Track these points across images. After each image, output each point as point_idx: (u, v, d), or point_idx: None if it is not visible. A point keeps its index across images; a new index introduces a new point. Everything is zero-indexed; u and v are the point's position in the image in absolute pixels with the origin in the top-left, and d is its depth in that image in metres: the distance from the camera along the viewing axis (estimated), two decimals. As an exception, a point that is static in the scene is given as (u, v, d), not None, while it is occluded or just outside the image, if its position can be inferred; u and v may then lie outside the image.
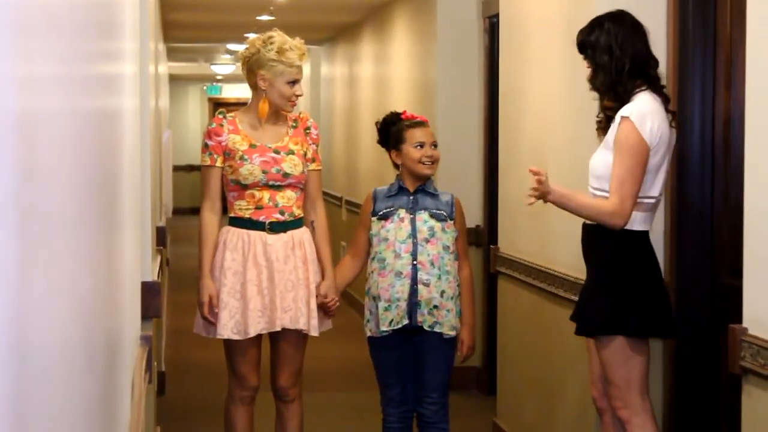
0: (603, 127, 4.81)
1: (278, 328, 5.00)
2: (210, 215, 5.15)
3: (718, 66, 5.12)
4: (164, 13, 12.28)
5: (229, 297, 5.01)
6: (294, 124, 5.22)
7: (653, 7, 5.31)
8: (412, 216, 5.19)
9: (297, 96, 5.15)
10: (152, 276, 5.18)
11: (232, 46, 19.27)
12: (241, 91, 28.14)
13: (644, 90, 4.75)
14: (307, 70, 17.74)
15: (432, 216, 5.20)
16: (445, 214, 5.23)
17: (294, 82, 5.11)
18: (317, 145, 5.29)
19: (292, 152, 5.14)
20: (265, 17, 12.93)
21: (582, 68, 4.90)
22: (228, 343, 5.09)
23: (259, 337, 5.09)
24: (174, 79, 25.18)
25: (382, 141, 5.41)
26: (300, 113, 5.33)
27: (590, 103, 5.09)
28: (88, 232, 2.00)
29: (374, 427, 5.50)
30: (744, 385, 4.05)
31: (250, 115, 5.20)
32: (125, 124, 3.50)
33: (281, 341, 5.13)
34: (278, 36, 5.15)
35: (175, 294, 12.88)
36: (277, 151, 5.11)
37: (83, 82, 1.99)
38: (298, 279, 5.04)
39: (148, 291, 4.77)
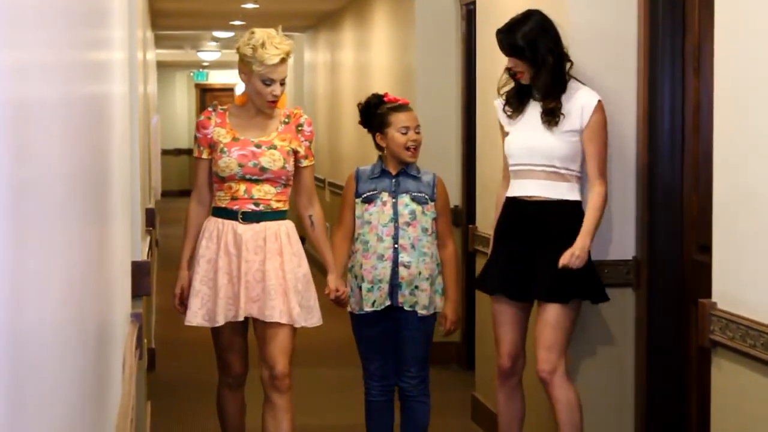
0: (516, 110, 5.02)
1: (241, 318, 4.81)
2: (196, 206, 5.03)
3: (687, 52, 5.12)
4: (151, 1, 12.24)
5: (202, 285, 4.88)
6: (286, 120, 5.02)
7: (625, -5, 5.32)
8: (394, 200, 5.17)
9: (274, 96, 4.91)
10: (142, 256, 5.18)
11: (217, 34, 19.22)
12: (227, 77, 28.09)
13: (572, 78, 4.94)
14: (290, 57, 17.70)
15: (413, 199, 5.18)
16: (426, 196, 5.20)
17: (270, 82, 4.88)
18: (311, 142, 5.07)
19: (274, 147, 4.93)
20: (249, 5, 12.90)
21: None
22: (213, 330, 4.97)
23: (243, 326, 4.96)
24: (162, 65, 25.13)
25: (364, 122, 5.34)
26: (294, 109, 5.15)
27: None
28: (79, 214, 1.99)
29: (357, 400, 5.50)
30: (713, 358, 4.07)
31: (240, 109, 5.05)
32: (115, 109, 3.49)
33: (267, 331, 4.89)
34: (260, 33, 4.90)
35: (165, 273, 12.84)
36: (258, 146, 4.92)
37: (73, 69, 1.99)
38: (269, 270, 4.81)
39: (138, 270, 4.77)
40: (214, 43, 21.84)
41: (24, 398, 1.25)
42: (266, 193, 4.90)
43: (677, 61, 5.18)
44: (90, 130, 2.33)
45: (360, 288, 5.15)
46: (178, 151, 27.55)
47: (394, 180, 5.20)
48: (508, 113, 5.03)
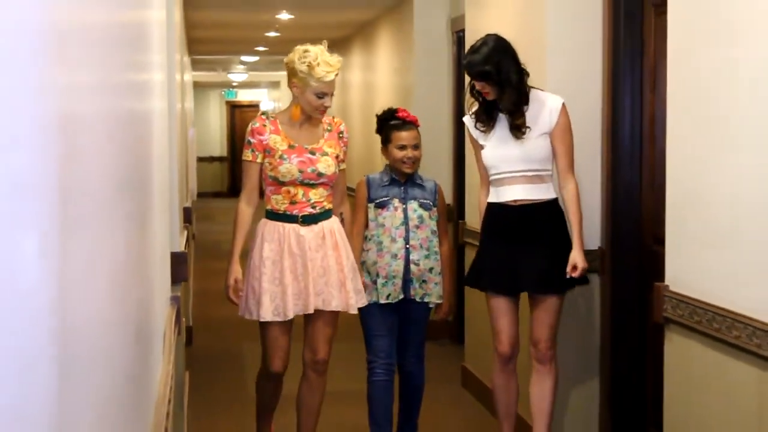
0: (487, 125, 4.85)
1: (311, 311, 4.65)
2: (245, 207, 4.73)
3: (644, 72, 5.12)
4: (188, 31, 12.26)
5: (270, 284, 4.62)
6: (329, 128, 4.80)
7: (591, 23, 5.32)
8: (404, 206, 5.07)
9: (325, 107, 4.69)
10: (180, 247, 5.16)
11: (245, 58, 19.23)
12: (253, 95, 28.09)
13: (532, 88, 4.84)
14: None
15: (420, 206, 5.09)
16: (430, 203, 5.12)
17: (322, 95, 4.65)
18: (347, 147, 4.88)
19: (326, 154, 4.72)
20: (272, 34, 12.92)
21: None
22: (261, 327, 4.74)
23: (290, 325, 4.74)
24: (197, 85, 25.10)
25: (378, 129, 5.19)
26: (333, 117, 4.90)
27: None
28: (123, 212, 2.00)
29: (362, 370, 5.43)
30: (666, 332, 4.08)
31: (289, 117, 4.77)
32: (155, 123, 3.49)
33: (317, 321, 4.77)
34: (314, 51, 4.64)
35: (200, 262, 12.89)
36: (312, 152, 4.70)
37: (118, 87, 1.99)
38: (329, 265, 4.66)
39: (177, 260, 4.75)
40: (242, 66, 21.85)
41: (73, 370, 1.25)
42: (321, 196, 4.71)
43: (636, 80, 5.18)
44: (133, 141, 2.33)
45: (375, 282, 5.05)
46: (212, 159, 27.59)
47: (402, 188, 5.10)
48: (481, 129, 4.86)
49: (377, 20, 11.10)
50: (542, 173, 4.79)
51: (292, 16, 11.30)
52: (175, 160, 5.04)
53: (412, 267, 5.06)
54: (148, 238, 2.81)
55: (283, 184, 4.66)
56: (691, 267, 3.89)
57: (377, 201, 5.08)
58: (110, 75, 1.81)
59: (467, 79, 4.90)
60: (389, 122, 5.15)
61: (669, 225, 4.07)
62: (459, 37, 8.19)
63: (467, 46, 6.96)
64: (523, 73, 4.78)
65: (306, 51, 4.63)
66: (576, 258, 4.73)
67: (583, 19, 5.32)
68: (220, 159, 27.85)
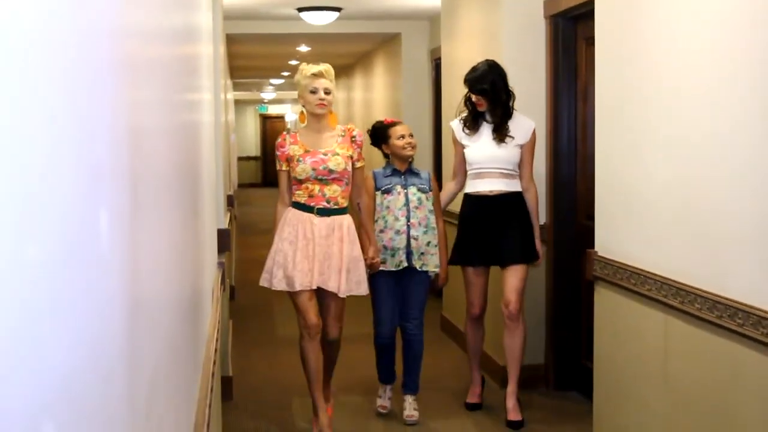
0: (472, 130, 4.79)
1: (314, 287, 4.39)
2: (281, 206, 4.50)
3: (578, 90, 5.13)
4: (230, 60, 12.23)
5: (284, 260, 4.41)
6: (342, 134, 4.52)
7: (537, 53, 5.32)
8: (405, 191, 4.82)
9: (320, 100, 4.41)
10: (225, 225, 5.16)
11: (273, 81, 19.19)
12: (279, 110, 28.03)
13: (515, 109, 4.79)
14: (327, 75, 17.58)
15: (419, 190, 4.84)
16: (427, 187, 4.86)
17: (315, 89, 4.42)
18: (361, 148, 4.53)
19: (337, 154, 4.44)
20: (293, 62, 12.88)
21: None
22: (292, 296, 4.47)
23: (312, 291, 4.45)
24: (237, 102, 25.06)
25: (373, 142, 4.95)
26: (348, 125, 4.60)
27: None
28: (180, 198, 2.00)
29: (367, 319, 5.40)
30: (595, 287, 4.09)
31: (306, 129, 4.54)
32: (204, 131, 3.49)
33: (327, 300, 4.52)
34: (304, 63, 4.53)
35: (240, 237, 12.89)
36: (325, 154, 4.44)
37: (176, 104, 2.00)
38: (333, 253, 4.38)
39: (222, 234, 4.74)
40: (271, 87, 21.81)
41: (141, 314, 1.27)
42: (335, 192, 4.42)
43: (572, 95, 5.19)
44: (187, 144, 2.34)
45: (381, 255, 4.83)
46: (248, 158, 27.56)
47: (402, 177, 4.85)
48: (467, 132, 4.78)
49: (374, 51, 11.08)
50: (513, 172, 4.74)
51: (309, 48, 11.28)
52: (220, 158, 5.04)
53: (412, 241, 4.79)
54: (199, 217, 2.82)
55: (302, 181, 4.43)
56: (614, 237, 3.91)
57: (383, 188, 4.84)
58: (170, 95, 1.82)
59: (443, 94, 4.88)
60: (382, 128, 4.97)
61: (597, 205, 4.08)
62: (437, 64, 8.19)
63: (443, 72, 6.97)
64: (510, 94, 4.73)
65: (300, 64, 4.58)
66: (539, 248, 4.80)
67: (531, 51, 5.32)
68: (255, 158, 27.83)
